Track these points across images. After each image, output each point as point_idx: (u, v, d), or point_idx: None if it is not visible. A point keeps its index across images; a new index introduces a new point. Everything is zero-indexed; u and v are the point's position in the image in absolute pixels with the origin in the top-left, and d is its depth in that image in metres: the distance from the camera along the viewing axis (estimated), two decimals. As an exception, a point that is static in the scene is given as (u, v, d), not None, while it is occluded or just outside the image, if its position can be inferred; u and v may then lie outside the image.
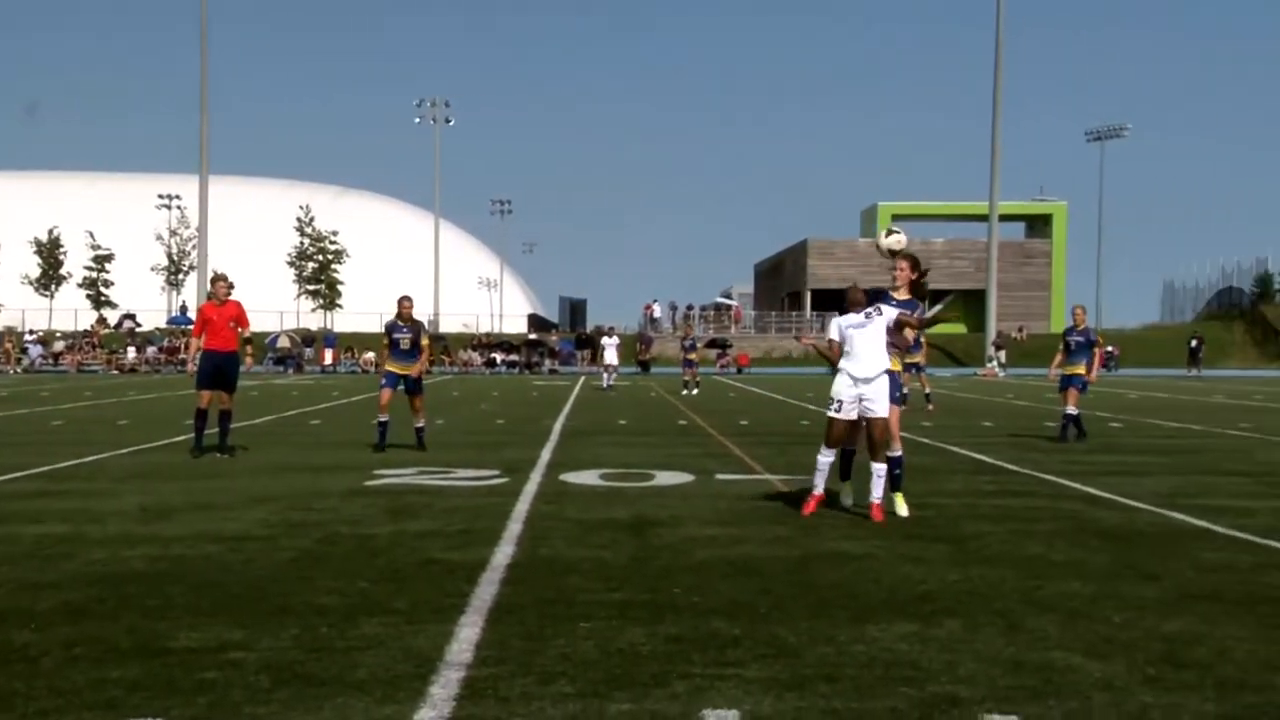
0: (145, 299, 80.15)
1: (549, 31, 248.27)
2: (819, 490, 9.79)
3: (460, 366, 60.47)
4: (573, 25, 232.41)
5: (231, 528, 9.00)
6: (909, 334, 9.93)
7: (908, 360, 10.37)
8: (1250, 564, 7.70)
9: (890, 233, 10.25)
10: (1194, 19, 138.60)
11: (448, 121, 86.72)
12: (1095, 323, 77.33)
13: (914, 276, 10.02)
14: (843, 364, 9.62)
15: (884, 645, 5.57)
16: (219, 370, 14.48)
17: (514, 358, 61.07)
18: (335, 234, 79.49)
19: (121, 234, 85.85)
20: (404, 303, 15.86)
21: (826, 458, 9.68)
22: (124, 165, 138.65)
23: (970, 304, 76.84)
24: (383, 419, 15.60)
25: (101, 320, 73.48)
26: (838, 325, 9.78)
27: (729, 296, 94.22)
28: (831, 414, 9.63)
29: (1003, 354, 59.67)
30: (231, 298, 14.78)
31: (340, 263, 79.15)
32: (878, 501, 9.47)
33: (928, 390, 25.52)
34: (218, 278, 15.00)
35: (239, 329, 14.63)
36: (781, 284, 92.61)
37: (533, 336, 69.19)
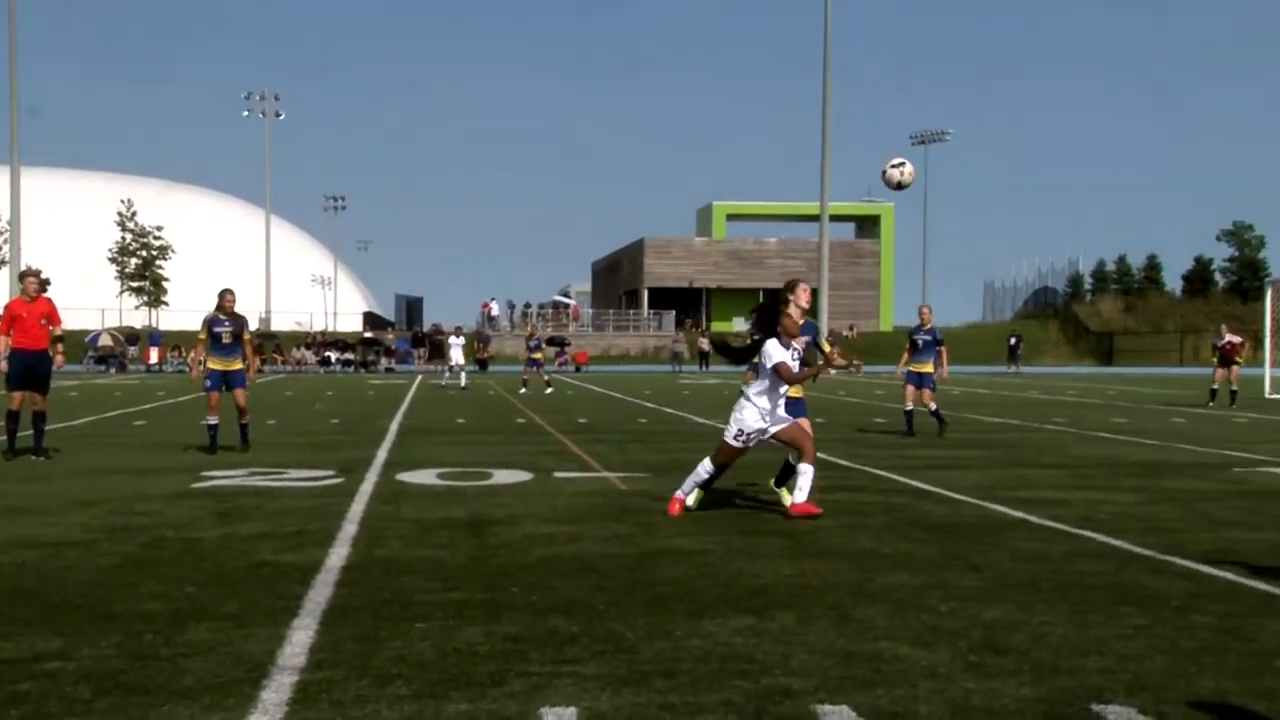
0: (-47, 295, 76.21)
1: (381, 25, 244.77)
2: (685, 495, 9.77)
3: (293, 366, 59.15)
4: (405, 18, 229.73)
5: (50, 533, 8.63)
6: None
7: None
8: (1063, 553, 8.04)
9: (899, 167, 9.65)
10: (1012, 28, 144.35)
11: (277, 115, 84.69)
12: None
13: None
14: (758, 395, 9.47)
15: (720, 639, 5.65)
16: (30, 370, 13.87)
17: (349, 356, 60.01)
18: (160, 229, 76.93)
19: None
20: (226, 296, 15.33)
21: (707, 471, 9.65)
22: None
23: (803, 303, 78.35)
24: (212, 420, 15.15)
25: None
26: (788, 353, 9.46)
27: (567, 295, 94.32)
28: (730, 440, 9.58)
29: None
30: (45, 294, 14.18)
31: (165, 259, 76.64)
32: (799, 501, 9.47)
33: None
34: (27, 273, 14.37)
35: (50, 326, 14.01)
36: (619, 282, 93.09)
37: (368, 335, 68.12)
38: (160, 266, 76.44)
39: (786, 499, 9.91)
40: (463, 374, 37.05)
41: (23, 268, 15.83)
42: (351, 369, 58.38)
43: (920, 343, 18.34)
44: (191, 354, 17.53)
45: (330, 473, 12.66)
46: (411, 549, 8.05)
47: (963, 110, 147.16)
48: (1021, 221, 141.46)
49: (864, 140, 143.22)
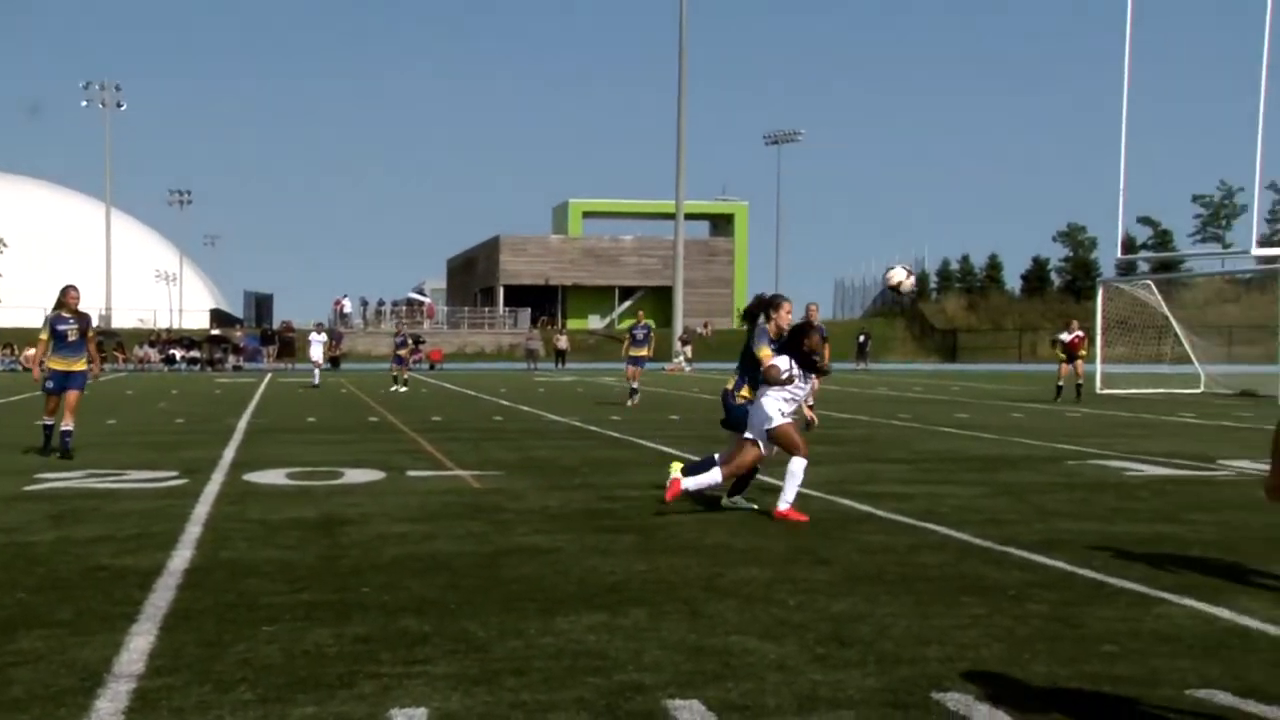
0: None
1: (228, 15, 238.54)
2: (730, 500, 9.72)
3: (135, 364, 57.31)
4: (253, 9, 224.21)
5: None
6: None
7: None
8: (907, 545, 8.26)
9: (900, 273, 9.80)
10: (864, 30, 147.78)
11: (119, 106, 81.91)
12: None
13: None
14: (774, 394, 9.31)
15: (572, 637, 5.66)
16: None
17: (195, 354, 58.36)
18: (-8, 221, 73.78)
19: None
20: (69, 292, 14.67)
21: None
22: None
23: (659, 300, 79.01)
24: (49, 421, 14.56)
25: None
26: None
27: (422, 292, 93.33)
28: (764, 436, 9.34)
29: (689, 349, 61.62)
30: None
31: (-2, 253, 73.57)
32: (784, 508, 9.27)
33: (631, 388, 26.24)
34: None
35: None
36: (475, 280, 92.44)
37: (215, 332, 66.34)
38: (-9, 260, 73.32)
39: (728, 500, 9.92)
40: (317, 372, 36.41)
41: None
42: (198, 367, 56.80)
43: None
44: (32, 353, 16.78)
45: (173, 473, 12.31)
46: (258, 550, 7.88)
47: (815, 111, 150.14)
48: (871, 221, 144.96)
49: (719, 139, 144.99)
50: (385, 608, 6.23)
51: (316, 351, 36.69)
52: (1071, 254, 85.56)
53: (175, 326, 74.96)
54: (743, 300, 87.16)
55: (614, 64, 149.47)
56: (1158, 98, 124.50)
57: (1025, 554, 7.88)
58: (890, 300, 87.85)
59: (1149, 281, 37.46)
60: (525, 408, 25.35)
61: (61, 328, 14.21)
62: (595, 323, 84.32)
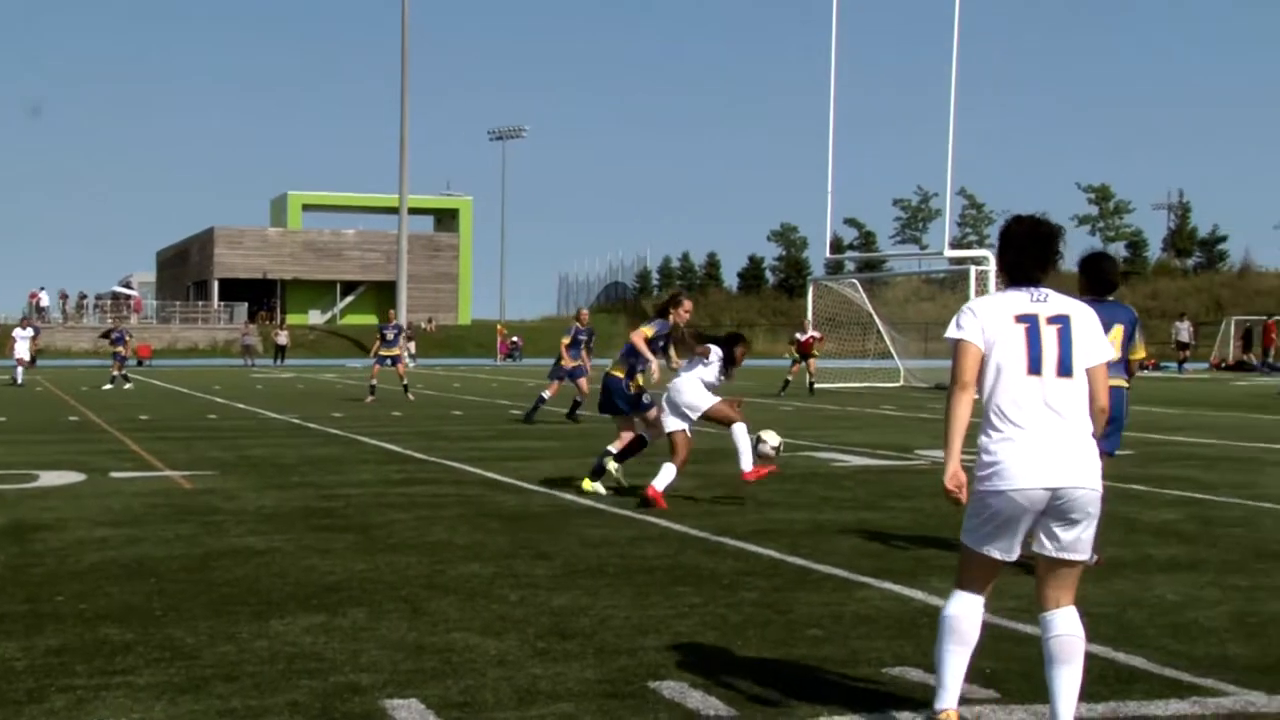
0: None
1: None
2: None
3: None
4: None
5: None
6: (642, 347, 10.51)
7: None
8: (628, 538, 8.42)
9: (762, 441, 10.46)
10: (588, 29, 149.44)
11: None
12: (499, 315, 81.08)
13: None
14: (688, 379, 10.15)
15: (288, 639, 5.51)
16: None
17: None
18: None
19: None
20: None
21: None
22: None
23: (382, 295, 77.72)
24: None
25: None
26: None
27: (128, 285, 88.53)
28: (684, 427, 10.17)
29: (413, 345, 60.86)
30: None
31: None
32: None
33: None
34: None
35: None
36: (187, 272, 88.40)
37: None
38: None
39: (589, 486, 10.66)
40: (20, 370, 33.94)
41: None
42: None
43: (580, 340, 20.36)
44: None
45: None
46: (-61, 561, 7.30)
47: (540, 107, 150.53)
48: (595, 218, 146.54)
49: (444, 133, 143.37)
50: (82, 616, 5.89)
51: (22, 349, 34.28)
52: (785, 253, 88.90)
53: None
54: (469, 295, 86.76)
55: (335, 55, 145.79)
56: (863, 104, 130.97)
57: (740, 544, 8.16)
58: (614, 295, 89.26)
59: (855, 280, 39.43)
60: (241, 405, 24.45)
61: None
62: (316, 318, 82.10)
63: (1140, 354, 7.58)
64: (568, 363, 20.32)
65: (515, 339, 67.30)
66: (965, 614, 4.27)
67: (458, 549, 7.92)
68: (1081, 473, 4.10)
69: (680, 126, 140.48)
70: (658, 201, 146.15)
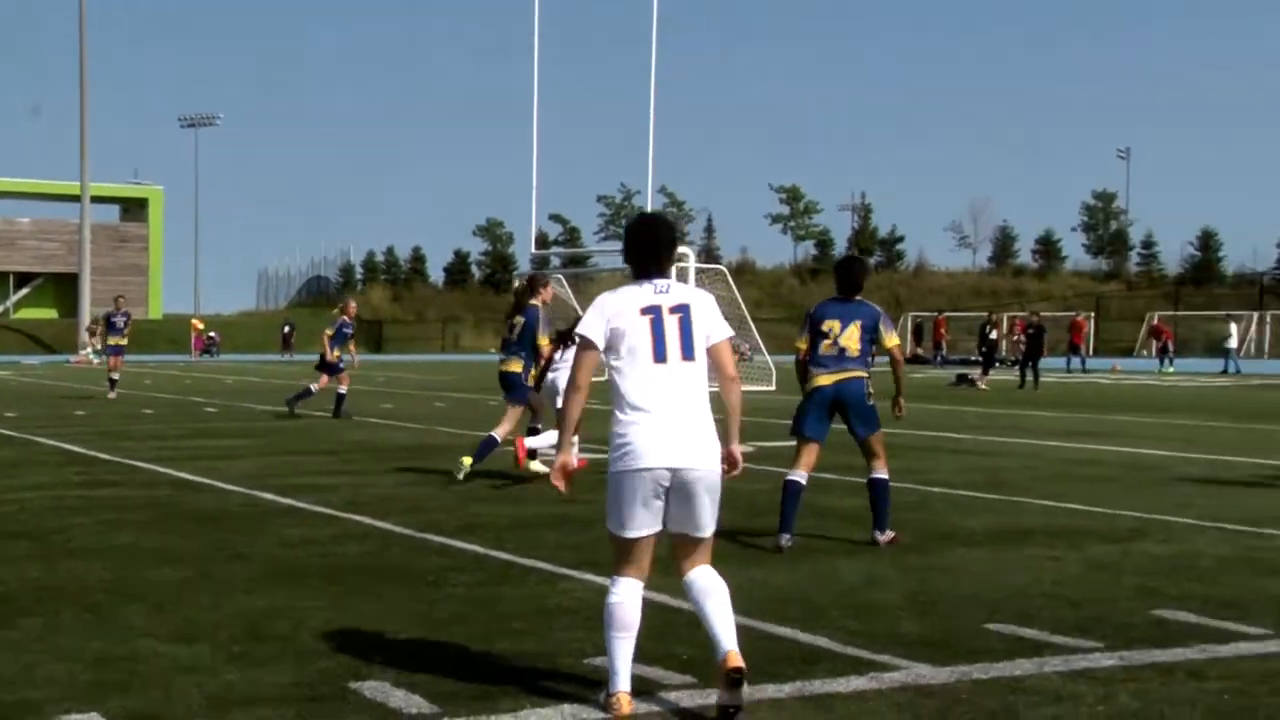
0: None
1: None
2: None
3: None
4: None
5: None
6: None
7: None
8: (330, 536, 8.24)
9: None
10: (285, 24, 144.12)
11: None
12: (194, 309, 77.62)
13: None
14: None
15: (-49, 657, 5.11)
16: None
17: None
18: None
19: None
20: None
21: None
22: None
23: (63, 287, 72.99)
24: None
25: None
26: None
27: None
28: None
29: (97, 340, 57.47)
30: None
31: None
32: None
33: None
34: None
35: None
36: None
37: None
38: None
39: (467, 462, 11.18)
40: None
41: None
42: None
43: (346, 334, 19.94)
44: None
45: None
46: None
47: (233, 95, 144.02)
48: (296, 212, 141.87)
49: (130, 119, 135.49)
50: None
51: None
52: (491, 248, 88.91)
53: None
54: (159, 289, 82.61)
55: (6, 28, 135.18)
56: (566, 101, 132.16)
57: (445, 540, 8.12)
58: (317, 290, 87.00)
59: (560, 275, 39.84)
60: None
61: None
62: (-14, 311, 76.35)
63: (891, 343, 7.96)
64: (330, 356, 19.67)
65: (212, 334, 64.54)
66: (625, 600, 4.49)
67: (146, 553, 7.55)
68: (700, 455, 4.44)
69: (383, 118, 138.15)
70: (360, 195, 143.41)
